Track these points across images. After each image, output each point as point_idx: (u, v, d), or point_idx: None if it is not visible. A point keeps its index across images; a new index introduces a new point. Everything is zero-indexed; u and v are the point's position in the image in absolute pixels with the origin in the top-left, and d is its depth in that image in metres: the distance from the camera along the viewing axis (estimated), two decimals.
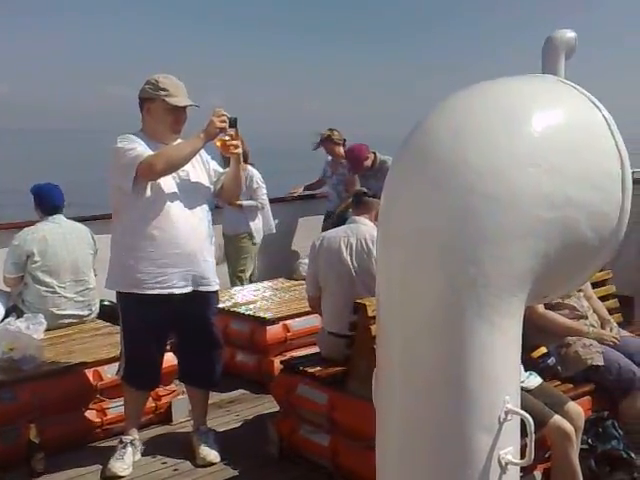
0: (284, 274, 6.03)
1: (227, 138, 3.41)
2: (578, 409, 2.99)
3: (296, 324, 4.80)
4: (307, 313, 4.69)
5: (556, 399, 2.97)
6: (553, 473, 2.92)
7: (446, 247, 1.72)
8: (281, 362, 4.00)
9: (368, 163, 6.04)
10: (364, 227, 3.63)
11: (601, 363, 3.26)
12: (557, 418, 2.80)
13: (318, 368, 3.61)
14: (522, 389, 2.55)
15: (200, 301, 3.52)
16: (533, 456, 1.79)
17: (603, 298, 3.85)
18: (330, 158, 6.77)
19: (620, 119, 2.00)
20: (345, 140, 6.63)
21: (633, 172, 1.83)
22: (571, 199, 1.70)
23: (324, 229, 5.82)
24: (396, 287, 1.84)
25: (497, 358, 1.75)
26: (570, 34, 1.98)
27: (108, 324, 4.49)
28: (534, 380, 3.01)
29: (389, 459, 1.90)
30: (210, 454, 3.57)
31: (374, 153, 6.12)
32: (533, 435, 1.75)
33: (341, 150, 6.52)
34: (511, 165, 1.69)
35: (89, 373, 3.82)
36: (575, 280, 1.97)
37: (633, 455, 3.03)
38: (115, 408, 3.80)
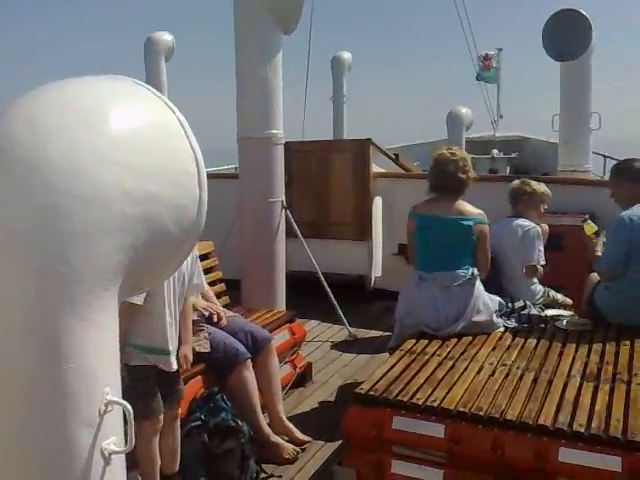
0: None
1: None
2: None
3: None
4: None
5: None
6: None
7: (34, 247, 1.68)
8: None
9: None
10: None
11: (207, 350, 3.58)
12: None
13: None
14: None
15: None
16: (134, 442, 1.87)
17: (212, 283, 4.20)
18: None
19: None
20: None
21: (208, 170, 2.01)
22: (152, 195, 1.81)
23: None
24: None
25: (94, 353, 1.77)
26: (167, 36, 2.10)
27: None
28: None
29: None
30: None
31: None
32: (133, 422, 1.83)
33: None
34: (93, 163, 1.72)
35: None
36: (166, 269, 2.10)
37: (239, 422, 3.38)
38: None
